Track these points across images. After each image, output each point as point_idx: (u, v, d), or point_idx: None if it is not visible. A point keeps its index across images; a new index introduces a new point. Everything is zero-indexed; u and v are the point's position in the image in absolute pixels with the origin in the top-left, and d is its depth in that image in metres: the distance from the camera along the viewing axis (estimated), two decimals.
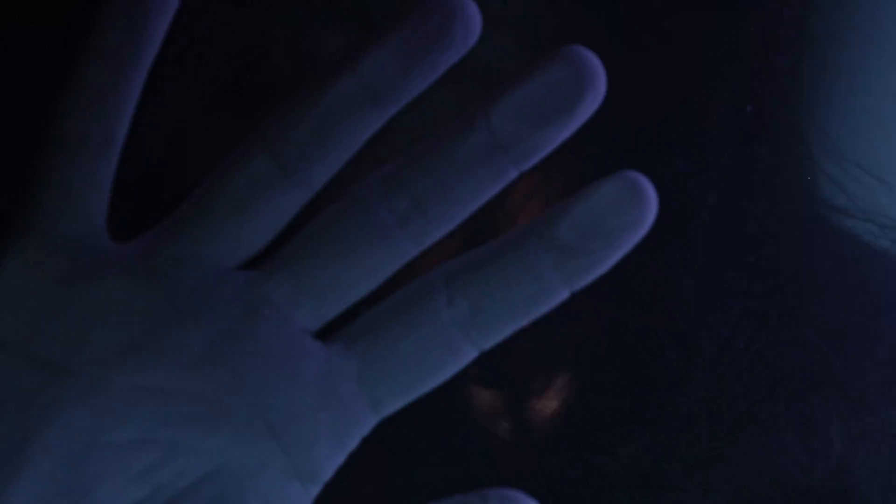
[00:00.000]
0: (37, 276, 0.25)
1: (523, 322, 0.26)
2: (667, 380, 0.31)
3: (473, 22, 0.25)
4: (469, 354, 0.26)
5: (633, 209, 0.25)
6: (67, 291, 0.25)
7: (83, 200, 0.25)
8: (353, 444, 0.26)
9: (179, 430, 0.25)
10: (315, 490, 0.26)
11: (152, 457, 0.25)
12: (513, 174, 0.26)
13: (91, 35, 0.25)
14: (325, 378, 0.26)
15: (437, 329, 0.25)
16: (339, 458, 0.26)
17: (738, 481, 0.31)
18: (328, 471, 0.26)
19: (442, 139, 0.26)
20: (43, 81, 0.31)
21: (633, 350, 0.31)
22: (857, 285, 0.32)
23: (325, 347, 0.26)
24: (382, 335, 0.26)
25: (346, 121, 0.25)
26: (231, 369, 0.25)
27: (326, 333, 0.26)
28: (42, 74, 0.31)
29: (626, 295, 0.31)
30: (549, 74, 0.25)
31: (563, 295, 0.25)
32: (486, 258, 0.26)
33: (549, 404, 0.32)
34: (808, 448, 0.31)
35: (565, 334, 0.31)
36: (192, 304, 0.25)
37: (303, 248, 0.26)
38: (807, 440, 0.31)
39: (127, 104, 0.25)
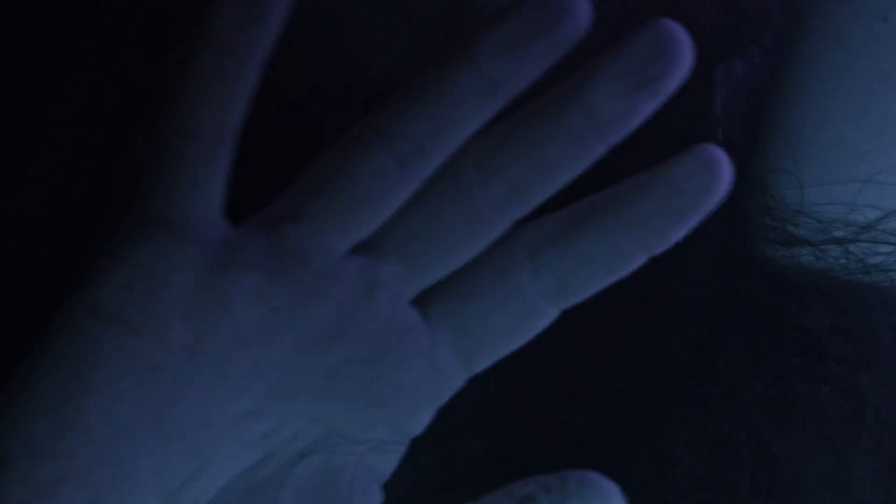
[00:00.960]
0: (166, 263, 0.25)
1: (605, 285, 0.27)
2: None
3: (585, 11, 0.25)
4: (553, 315, 0.27)
5: (708, 182, 0.26)
6: (196, 279, 0.25)
7: (205, 189, 0.26)
8: (444, 401, 0.28)
9: (292, 402, 0.26)
10: (408, 442, 0.28)
11: (264, 426, 0.26)
12: (602, 150, 0.26)
13: (212, 25, 0.25)
14: (428, 351, 0.27)
15: (524, 302, 0.27)
16: (432, 415, 0.28)
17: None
18: (423, 426, 0.28)
19: (534, 119, 0.26)
20: (43, 82, 0.31)
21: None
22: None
23: (426, 322, 0.27)
24: (476, 310, 0.27)
25: (463, 114, 0.26)
26: (345, 348, 0.26)
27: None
28: (42, 74, 0.31)
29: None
30: (638, 47, 0.25)
31: (641, 260, 0.27)
32: (569, 233, 0.27)
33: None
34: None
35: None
36: (313, 289, 0.26)
37: (409, 232, 0.27)
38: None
39: (245, 95, 0.26)
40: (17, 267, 0.31)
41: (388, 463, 0.28)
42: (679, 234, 0.26)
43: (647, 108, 0.26)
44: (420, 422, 0.28)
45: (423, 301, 0.27)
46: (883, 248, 0.32)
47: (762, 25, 0.33)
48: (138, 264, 0.25)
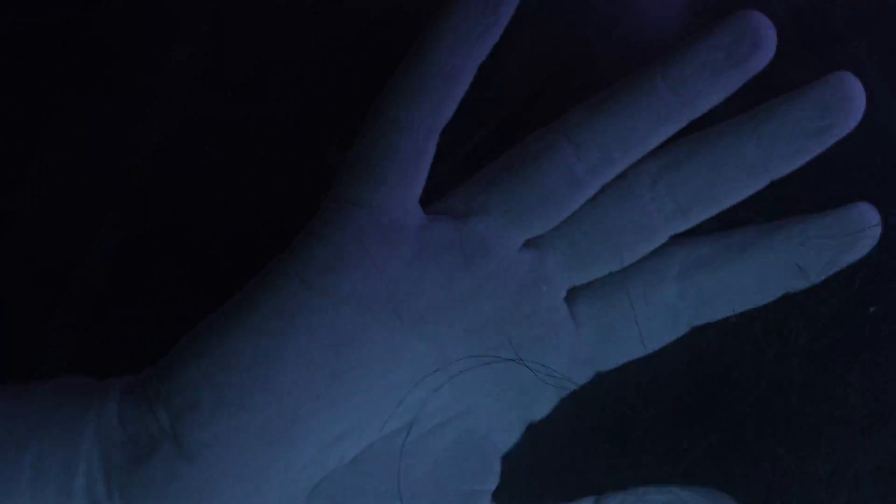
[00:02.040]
0: (368, 244, 0.26)
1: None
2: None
3: (772, 41, 0.27)
4: (684, 331, 0.29)
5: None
6: (393, 261, 0.27)
7: (409, 178, 0.27)
8: (567, 394, 0.29)
9: (444, 375, 0.27)
10: (524, 430, 0.29)
11: (418, 395, 0.27)
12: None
13: (445, 25, 0.26)
14: (572, 345, 0.29)
15: (667, 315, 0.28)
16: (553, 406, 0.29)
17: None
18: (542, 416, 0.29)
19: (711, 145, 0.28)
20: (42, 81, 0.31)
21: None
22: None
23: (573, 314, 0.29)
24: (623, 317, 0.29)
25: (652, 129, 0.27)
26: (503, 331, 0.28)
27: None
28: (42, 74, 0.31)
29: None
30: (817, 96, 0.27)
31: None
32: (717, 259, 0.28)
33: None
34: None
35: None
36: (491, 278, 0.27)
37: (579, 234, 0.28)
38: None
39: (461, 93, 0.27)
40: (17, 267, 0.31)
41: (510, 442, 0.29)
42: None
43: (816, 151, 0.27)
44: (544, 409, 0.29)
45: (570, 298, 0.29)
46: None
47: None
48: (343, 244, 0.26)
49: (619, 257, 0.28)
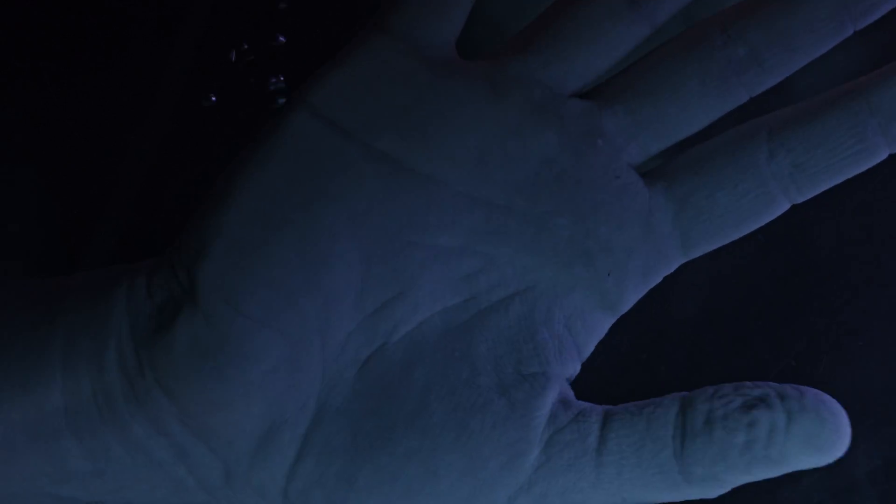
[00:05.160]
0: (387, 72, 0.25)
1: (840, 180, 0.25)
2: None
3: None
4: (783, 206, 0.26)
5: None
6: (413, 92, 0.25)
7: (441, 13, 0.25)
8: (656, 281, 0.26)
9: (500, 244, 0.25)
10: (612, 321, 0.26)
11: (470, 266, 0.25)
12: (850, 30, 0.25)
13: None
14: (645, 215, 0.26)
15: (756, 181, 0.25)
16: (641, 294, 0.26)
17: None
18: (629, 304, 0.26)
19: None
20: (42, 81, 0.31)
21: None
22: None
23: (648, 185, 0.26)
24: (703, 182, 0.25)
25: None
26: (559, 192, 0.25)
27: (646, 166, 0.26)
28: (41, 74, 0.31)
29: None
30: None
31: (883, 155, 0.25)
32: (811, 114, 0.25)
33: None
34: None
35: None
36: (530, 123, 0.25)
37: (639, 84, 0.26)
38: None
39: None
40: (16, 266, 0.31)
41: (589, 337, 0.26)
42: None
43: None
44: (627, 297, 0.26)
45: (649, 172, 0.26)
46: None
47: None
48: (355, 69, 0.25)
49: (688, 113, 0.25)
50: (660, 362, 0.31)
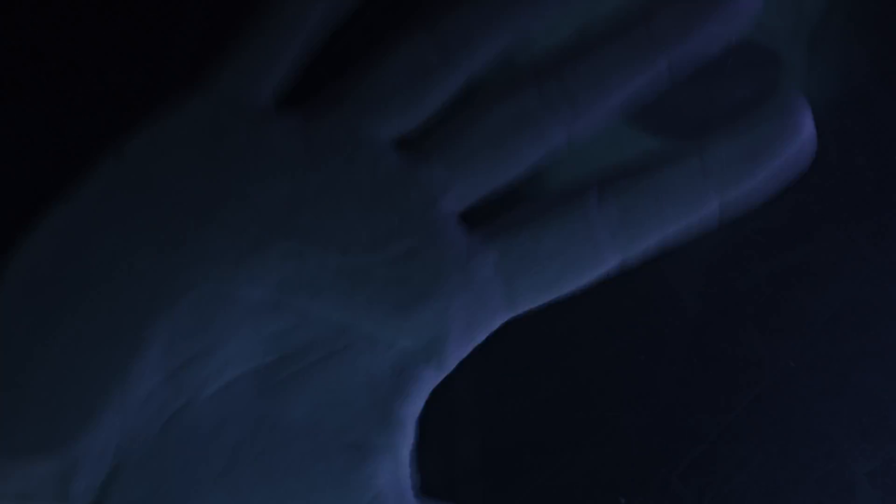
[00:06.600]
0: (202, 127, 0.25)
1: (670, 232, 0.25)
2: None
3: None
4: (610, 262, 0.25)
5: (791, 143, 0.25)
6: (227, 146, 0.25)
7: (262, 71, 0.25)
8: (481, 337, 0.25)
9: (313, 298, 0.25)
10: (437, 379, 0.25)
11: (284, 323, 0.25)
12: (661, 65, 0.25)
13: None
14: (463, 262, 0.25)
15: (583, 227, 0.25)
16: (466, 349, 0.25)
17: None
18: (453, 359, 0.25)
19: (596, 35, 0.25)
20: (42, 82, 0.31)
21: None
22: None
23: (467, 234, 0.25)
24: (527, 227, 0.25)
25: (509, 11, 0.25)
26: (374, 243, 0.25)
27: (468, 220, 0.26)
28: (40, 74, 0.31)
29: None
30: None
31: (714, 206, 0.25)
32: (642, 164, 0.25)
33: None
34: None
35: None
36: (344, 174, 0.25)
37: (455, 134, 0.26)
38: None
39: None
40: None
41: (419, 399, 0.25)
42: (756, 180, 0.25)
43: (707, 31, 0.25)
44: (450, 350, 0.25)
45: (472, 220, 0.26)
46: None
47: None
48: (172, 124, 0.25)
49: (505, 158, 0.25)
50: (657, 364, 0.31)
